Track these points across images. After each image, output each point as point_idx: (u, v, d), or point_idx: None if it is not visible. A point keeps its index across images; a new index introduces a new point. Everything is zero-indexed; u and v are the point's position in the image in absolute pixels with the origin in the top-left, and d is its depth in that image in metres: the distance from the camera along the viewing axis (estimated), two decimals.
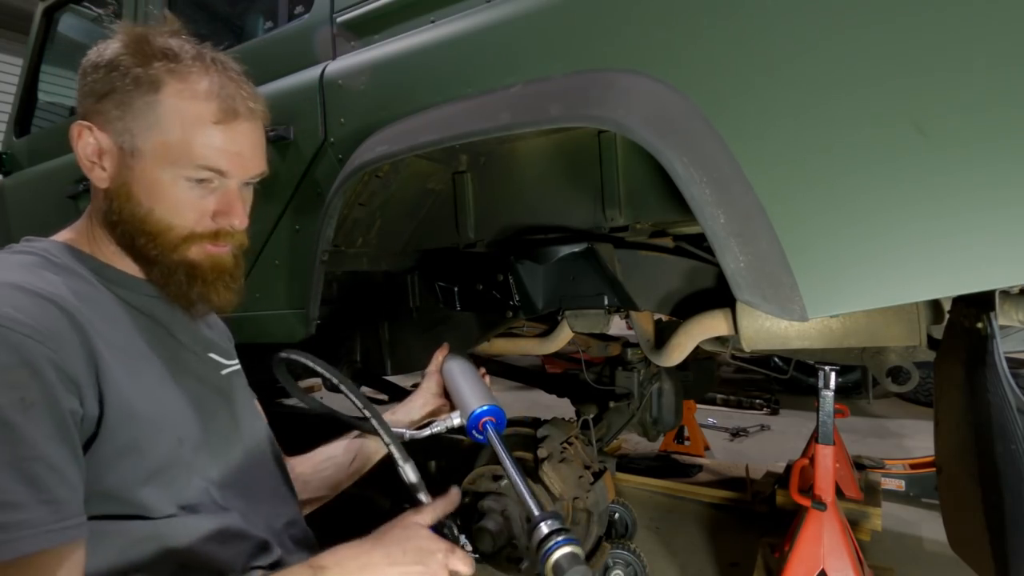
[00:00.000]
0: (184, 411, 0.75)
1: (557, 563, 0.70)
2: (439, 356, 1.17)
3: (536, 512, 0.78)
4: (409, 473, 0.84)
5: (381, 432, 0.87)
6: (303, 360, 0.91)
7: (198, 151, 0.72)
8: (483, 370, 1.13)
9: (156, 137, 0.71)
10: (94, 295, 0.72)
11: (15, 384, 0.57)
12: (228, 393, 0.86)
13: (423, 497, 0.84)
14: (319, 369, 0.90)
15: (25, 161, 2.25)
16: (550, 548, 0.71)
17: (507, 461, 0.89)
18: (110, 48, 0.72)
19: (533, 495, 0.83)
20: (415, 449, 0.92)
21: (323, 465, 1.04)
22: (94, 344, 0.66)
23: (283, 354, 0.93)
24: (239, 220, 0.77)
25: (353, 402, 0.89)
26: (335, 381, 0.90)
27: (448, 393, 1.10)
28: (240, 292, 0.82)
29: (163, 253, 0.75)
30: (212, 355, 0.86)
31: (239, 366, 0.92)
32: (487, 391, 1.03)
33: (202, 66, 0.73)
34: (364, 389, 2.69)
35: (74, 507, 0.59)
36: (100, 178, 0.74)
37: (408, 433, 1.01)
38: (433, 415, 1.09)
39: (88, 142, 0.73)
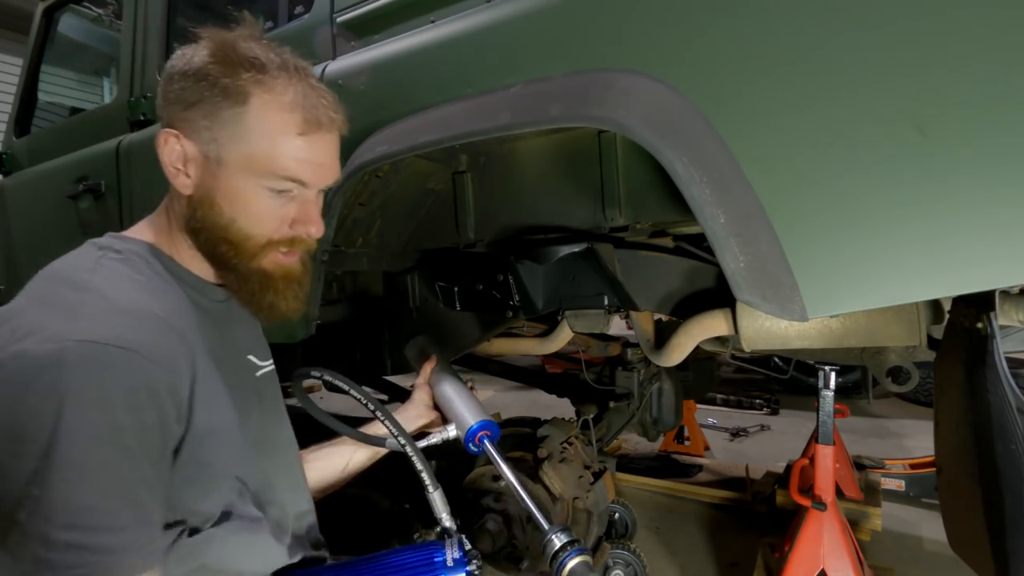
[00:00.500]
0: (233, 417, 0.77)
1: (572, 571, 0.77)
2: (428, 368, 1.20)
3: (546, 525, 0.84)
4: (437, 501, 0.90)
5: (415, 459, 0.92)
6: (333, 380, 0.97)
7: (282, 162, 0.73)
8: (471, 383, 1.16)
9: (242, 148, 0.72)
10: (184, 305, 0.75)
11: (136, 407, 0.60)
12: (261, 394, 0.88)
13: (447, 521, 0.89)
14: (351, 391, 0.96)
15: (25, 161, 2.25)
16: (564, 559, 0.78)
17: (509, 474, 0.95)
18: (198, 56, 0.72)
19: (540, 507, 0.89)
20: (387, 477, 0.99)
21: (319, 466, 1.04)
22: (196, 366, 0.69)
23: (313, 372, 0.99)
24: (316, 228, 0.78)
25: (389, 429, 0.95)
26: (364, 402, 0.97)
27: (439, 406, 1.13)
28: (306, 299, 0.83)
29: (241, 261, 0.76)
30: (251, 357, 0.89)
31: (273, 366, 0.94)
32: (480, 406, 1.08)
33: (287, 76, 0.73)
34: (364, 389, 2.69)
35: (161, 527, 0.64)
36: (184, 184, 0.74)
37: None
38: (425, 427, 1.11)
39: (174, 149, 0.74)
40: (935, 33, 0.71)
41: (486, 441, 1.01)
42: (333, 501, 1.10)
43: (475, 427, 1.02)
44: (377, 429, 1.02)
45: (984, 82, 0.69)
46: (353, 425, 1.02)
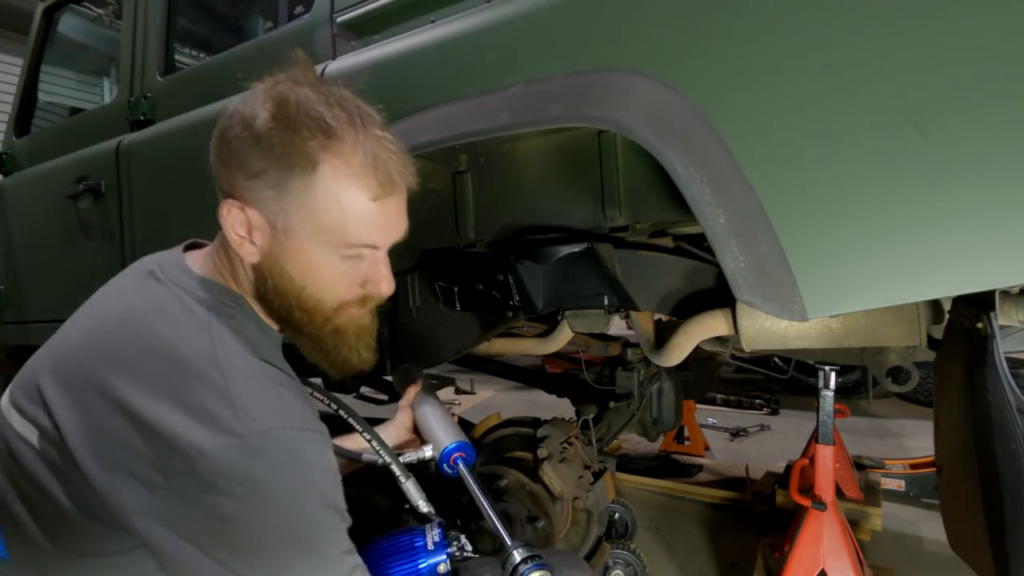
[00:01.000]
0: None
1: None
2: (411, 391, 1.20)
3: (508, 541, 0.87)
4: (411, 490, 0.94)
5: (381, 451, 0.95)
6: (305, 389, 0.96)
7: (354, 231, 0.70)
8: (454, 413, 1.17)
9: (311, 219, 0.69)
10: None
11: (332, 472, 0.68)
12: None
13: (424, 507, 0.92)
14: (321, 398, 0.98)
15: (25, 161, 2.25)
16: (524, 573, 0.81)
17: (477, 492, 0.98)
18: (259, 118, 0.67)
19: (505, 526, 0.92)
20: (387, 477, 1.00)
21: None
22: None
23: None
24: (387, 286, 0.77)
25: (348, 419, 0.96)
26: (320, 398, 0.98)
27: (418, 428, 1.14)
28: (376, 348, 0.83)
29: (315, 326, 0.75)
30: None
31: None
32: (458, 428, 1.09)
33: (354, 134, 0.69)
34: (364, 389, 2.69)
35: None
36: (250, 253, 0.72)
37: (380, 460, 1.04)
38: (403, 447, 1.12)
39: (237, 218, 0.70)
40: (935, 33, 0.71)
41: (460, 463, 1.03)
42: None
43: (450, 448, 1.04)
44: (352, 442, 1.03)
45: (984, 82, 0.69)
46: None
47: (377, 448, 0.95)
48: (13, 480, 0.70)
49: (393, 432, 1.14)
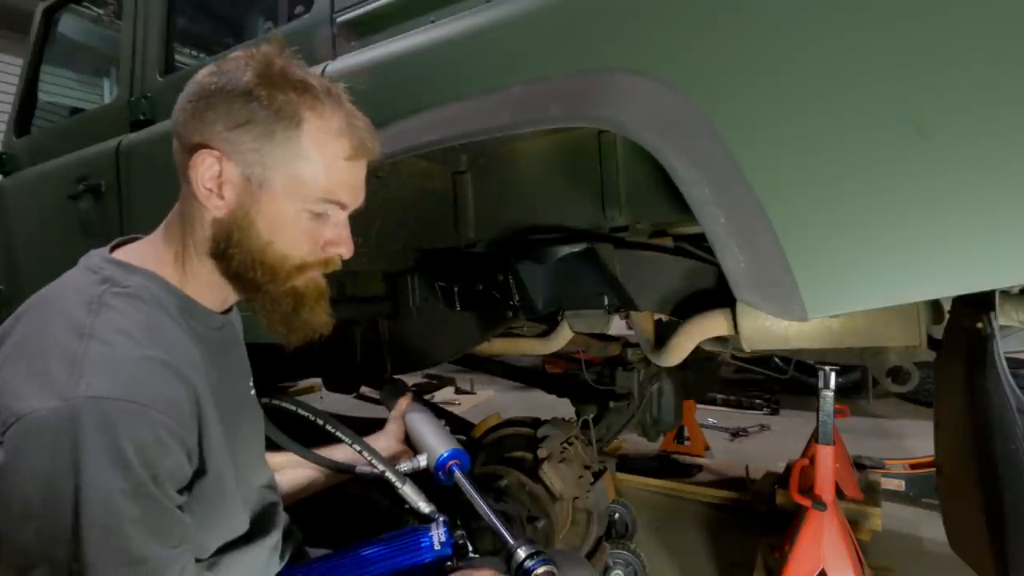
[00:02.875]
0: (236, 448, 0.77)
1: None
2: (402, 403, 1.20)
3: (510, 540, 0.87)
4: (410, 494, 0.93)
5: (373, 459, 0.95)
6: (289, 407, 0.99)
7: (328, 186, 0.72)
8: (443, 421, 1.17)
9: (290, 171, 0.70)
10: (188, 344, 0.72)
11: (151, 462, 0.61)
12: (253, 413, 0.89)
13: (426, 508, 0.92)
14: (298, 410, 0.99)
15: (25, 161, 2.25)
16: (531, 568, 0.80)
17: (476, 497, 0.98)
18: (245, 75, 0.69)
19: (506, 525, 0.92)
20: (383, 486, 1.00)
21: (290, 475, 1.04)
22: (203, 413, 0.69)
23: (272, 401, 0.99)
24: (347, 249, 0.78)
25: (339, 433, 0.97)
26: (313, 418, 0.99)
27: (411, 438, 1.14)
28: (332, 313, 0.82)
29: (276, 284, 0.75)
30: (247, 382, 0.89)
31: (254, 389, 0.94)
32: (450, 436, 1.09)
33: (332, 100, 0.73)
34: (364, 389, 2.69)
35: (188, 538, 0.66)
36: (216, 207, 0.71)
37: (373, 471, 1.04)
38: (395, 459, 1.11)
39: (211, 169, 0.70)
40: (935, 32, 0.71)
41: (456, 470, 1.03)
42: (332, 501, 1.10)
43: (445, 456, 1.04)
44: (342, 451, 1.03)
45: (984, 81, 0.69)
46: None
47: (369, 457, 0.95)
48: None
49: (384, 443, 1.13)
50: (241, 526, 0.79)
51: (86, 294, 0.68)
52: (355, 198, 0.77)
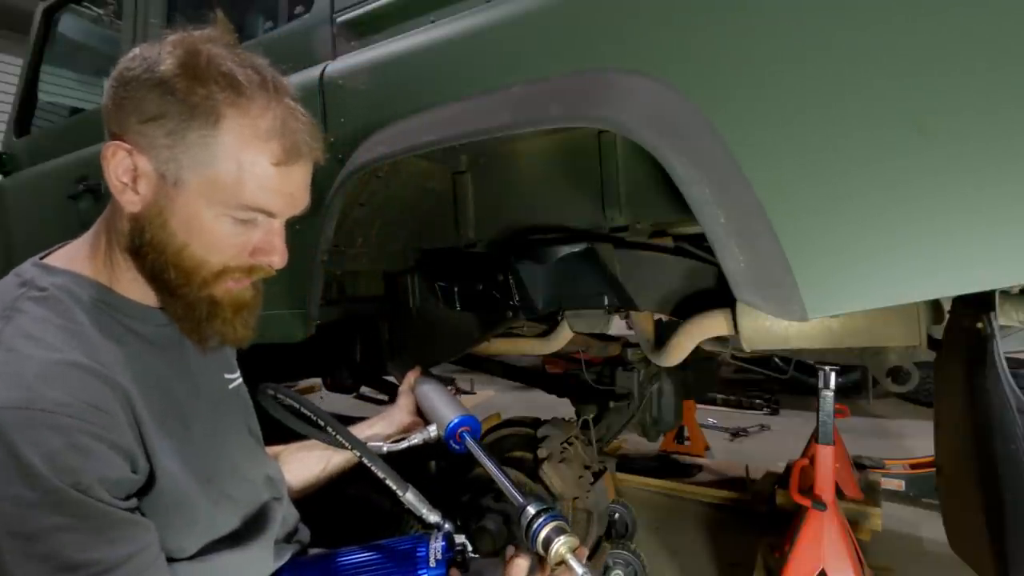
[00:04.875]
0: (202, 445, 0.75)
1: (547, 536, 0.76)
2: (411, 376, 1.20)
3: (520, 499, 0.84)
4: (413, 501, 0.90)
5: (376, 469, 0.92)
6: (287, 400, 0.97)
7: (251, 193, 0.66)
8: (452, 389, 1.17)
9: (206, 172, 0.65)
10: (115, 344, 0.69)
11: (67, 468, 0.57)
12: (233, 408, 0.88)
13: (430, 517, 0.89)
14: (303, 409, 0.96)
15: (25, 161, 2.25)
16: (539, 525, 0.78)
17: (487, 461, 0.96)
18: (163, 63, 0.64)
19: (515, 485, 0.89)
20: (399, 460, 0.98)
21: (295, 467, 1.04)
22: (137, 412, 0.66)
23: (269, 390, 0.98)
24: (279, 259, 0.73)
25: (345, 443, 0.94)
26: (315, 419, 0.96)
27: (421, 411, 1.14)
28: (256, 327, 0.78)
29: (191, 289, 0.70)
30: (224, 374, 0.87)
31: (240, 379, 0.92)
32: (460, 404, 1.08)
33: (264, 97, 0.67)
34: (364, 390, 2.69)
35: (145, 537, 0.64)
36: (131, 202, 0.67)
37: (386, 447, 1.04)
38: (406, 431, 1.11)
39: (123, 162, 0.66)
40: (935, 32, 0.71)
41: (467, 436, 1.01)
42: (333, 502, 1.10)
43: (454, 423, 1.02)
44: (357, 433, 1.01)
45: (984, 81, 0.69)
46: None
47: (369, 464, 0.93)
48: None
49: (397, 416, 1.13)
50: (226, 524, 0.77)
51: (2, 301, 0.65)
52: (290, 205, 0.71)
